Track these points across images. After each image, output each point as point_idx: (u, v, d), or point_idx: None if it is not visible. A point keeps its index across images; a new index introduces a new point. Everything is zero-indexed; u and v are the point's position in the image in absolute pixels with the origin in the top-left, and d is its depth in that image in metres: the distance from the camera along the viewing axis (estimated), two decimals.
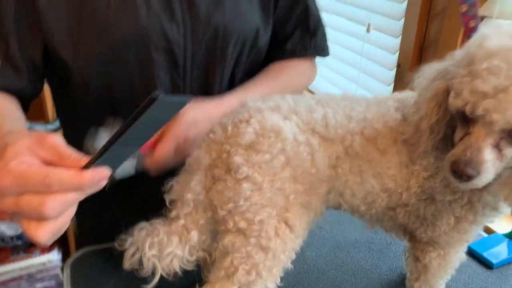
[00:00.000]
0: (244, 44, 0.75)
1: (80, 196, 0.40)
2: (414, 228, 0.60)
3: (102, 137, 0.55)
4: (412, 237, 0.63)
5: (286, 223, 0.55)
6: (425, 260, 0.62)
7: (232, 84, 0.77)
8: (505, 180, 0.51)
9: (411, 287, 0.67)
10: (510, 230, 0.86)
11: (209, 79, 0.74)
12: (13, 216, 0.41)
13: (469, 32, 0.62)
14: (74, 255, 0.76)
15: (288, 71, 0.81)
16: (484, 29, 0.51)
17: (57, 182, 0.39)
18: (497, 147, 0.47)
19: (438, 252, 0.61)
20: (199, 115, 0.63)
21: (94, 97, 0.72)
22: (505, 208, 0.57)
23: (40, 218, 0.39)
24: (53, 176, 0.39)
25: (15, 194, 0.40)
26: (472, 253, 0.82)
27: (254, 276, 0.55)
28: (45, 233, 0.39)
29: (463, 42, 0.60)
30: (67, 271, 0.73)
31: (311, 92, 1.71)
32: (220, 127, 0.57)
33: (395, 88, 1.33)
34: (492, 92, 0.45)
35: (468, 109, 0.47)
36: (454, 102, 0.48)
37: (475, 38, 0.50)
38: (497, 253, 0.81)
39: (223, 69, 0.74)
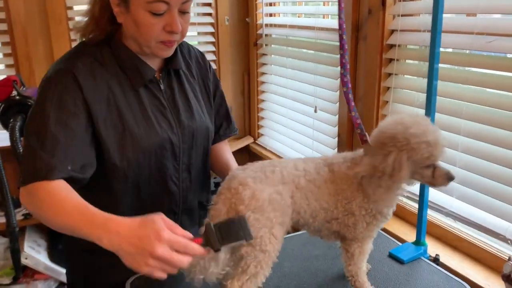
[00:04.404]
0: (205, 137, 1.23)
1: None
2: (344, 231, 1.03)
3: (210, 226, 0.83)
4: (342, 238, 1.06)
5: (273, 235, 0.95)
6: (351, 250, 1.04)
7: (205, 160, 1.26)
8: None
9: (347, 270, 1.08)
10: (415, 240, 1.30)
11: (190, 161, 1.20)
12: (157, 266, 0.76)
13: (362, 141, 1.03)
14: (132, 277, 1.14)
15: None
16: (387, 119, 0.97)
17: (191, 250, 0.78)
18: None
19: (357, 244, 1.03)
20: None
21: (129, 181, 1.10)
22: (390, 215, 1.02)
23: (177, 266, 0.77)
24: (190, 246, 0.78)
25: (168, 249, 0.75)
26: (391, 255, 1.25)
27: (259, 268, 0.94)
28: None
29: (370, 129, 1.05)
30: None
31: (280, 156, 2.20)
32: (227, 191, 0.96)
33: (338, 150, 1.82)
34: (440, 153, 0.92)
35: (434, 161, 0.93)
36: (429, 160, 0.93)
37: (395, 124, 0.94)
38: (407, 253, 1.25)
39: (196, 154, 1.21)
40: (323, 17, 1.91)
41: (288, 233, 1.08)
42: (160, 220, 0.79)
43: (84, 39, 1.11)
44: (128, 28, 1.05)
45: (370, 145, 0.98)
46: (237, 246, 0.91)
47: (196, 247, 0.80)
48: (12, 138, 1.71)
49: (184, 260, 0.78)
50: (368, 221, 1.01)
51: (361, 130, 1.01)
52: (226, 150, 1.37)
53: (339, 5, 1.05)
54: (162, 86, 1.15)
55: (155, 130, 1.10)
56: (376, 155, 0.95)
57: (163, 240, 0.76)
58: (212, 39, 2.45)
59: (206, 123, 1.23)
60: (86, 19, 1.09)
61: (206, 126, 1.23)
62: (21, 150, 1.67)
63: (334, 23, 1.77)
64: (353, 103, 1.10)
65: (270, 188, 0.95)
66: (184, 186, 1.20)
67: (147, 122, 1.10)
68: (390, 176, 0.93)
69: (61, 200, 0.90)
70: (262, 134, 2.54)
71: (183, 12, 1.04)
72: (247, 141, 2.55)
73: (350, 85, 1.09)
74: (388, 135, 0.93)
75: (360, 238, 1.04)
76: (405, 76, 1.50)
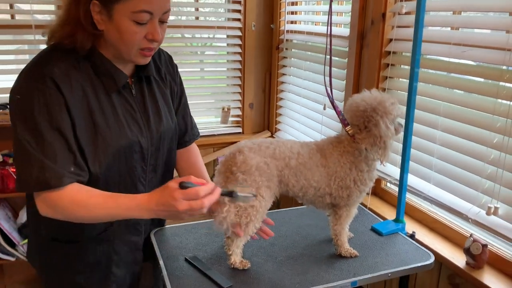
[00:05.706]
0: (171, 139, 1.31)
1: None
2: (338, 202, 1.24)
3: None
4: (335, 206, 1.27)
5: (260, 194, 1.17)
6: (340, 213, 1.26)
7: (169, 159, 1.34)
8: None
9: (332, 230, 1.29)
10: (395, 218, 1.52)
11: (157, 162, 1.27)
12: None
13: (344, 124, 1.22)
14: (155, 229, 1.42)
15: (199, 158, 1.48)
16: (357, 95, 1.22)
17: (201, 194, 0.96)
18: None
19: (346, 208, 1.26)
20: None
21: (100, 182, 1.13)
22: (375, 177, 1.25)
23: (199, 209, 0.96)
24: (201, 190, 0.96)
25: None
26: (372, 229, 1.48)
27: (249, 219, 1.17)
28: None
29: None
30: (153, 238, 1.38)
31: None
32: (228, 155, 1.20)
33: None
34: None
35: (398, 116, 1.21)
36: (397, 116, 1.19)
37: (364, 101, 1.18)
38: (386, 228, 1.47)
39: (162, 155, 1.29)
40: (337, 26, 2.15)
41: (287, 206, 1.29)
42: (171, 184, 0.98)
43: (53, 43, 1.11)
44: (110, 35, 1.07)
45: (354, 125, 1.21)
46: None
47: (202, 191, 0.97)
48: None
49: (200, 203, 0.97)
50: (361, 190, 1.24)
51: (343, 116, 1.25)
52: (197, 154, 1.47)
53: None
54: (133, 91, 1.19)
55: (125, 133, 1.15)
56: (367, 129, 1.18)
57: (178, 199, 0.96)
58: (239, 41, 2.73)
59: (172, 125, 1.30)
60: (60, 22, 1.08)
61: (172, 128, 1.30)
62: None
63: (345, 31, 2.00)
64: (331, 95, 1.35)
65: (259, 158, 1.17)
66: (151, 186, 1.25)
67: (118, 126, 1.14)
68: (386, 138, 1.17)
69: (87, 199, 1.04)
70: (279, 129, 2.79)
71: (162, 22, 1.09)
72: (265, 135, 2.81)
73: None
74: (369, 110, 1.17)
75: (350, 204, 1.26)
76: (399, 79, 1.72)
